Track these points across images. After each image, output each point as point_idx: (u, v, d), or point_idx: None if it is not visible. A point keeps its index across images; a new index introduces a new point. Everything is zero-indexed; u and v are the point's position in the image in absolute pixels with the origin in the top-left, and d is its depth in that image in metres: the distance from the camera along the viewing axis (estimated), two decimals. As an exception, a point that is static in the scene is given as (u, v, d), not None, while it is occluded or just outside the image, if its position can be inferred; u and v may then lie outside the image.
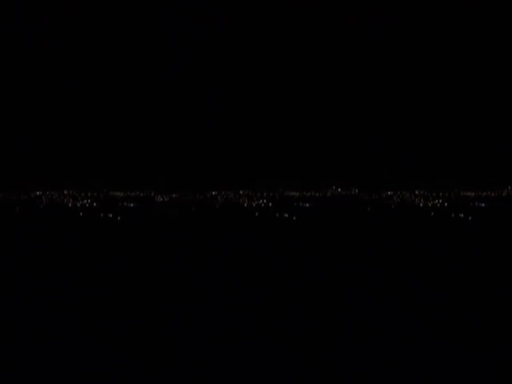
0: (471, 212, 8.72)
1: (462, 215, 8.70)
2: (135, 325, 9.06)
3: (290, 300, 9.41)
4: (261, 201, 9.03)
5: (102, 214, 8.73)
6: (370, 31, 8.39)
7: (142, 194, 9.30)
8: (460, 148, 9.27)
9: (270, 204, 8.89)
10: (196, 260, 9.37)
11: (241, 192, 9.45)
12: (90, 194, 9.30)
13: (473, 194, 9.32)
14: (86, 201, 8.94)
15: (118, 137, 8.83)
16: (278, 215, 8.71)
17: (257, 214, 8.86)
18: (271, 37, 8.50)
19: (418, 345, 8.95)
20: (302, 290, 9.36)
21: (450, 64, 8.76)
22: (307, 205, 8.84)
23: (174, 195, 8.97)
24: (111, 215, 8.57)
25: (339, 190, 9.11)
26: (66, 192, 9.47)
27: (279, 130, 8.92)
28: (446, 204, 8.61)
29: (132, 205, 8.87)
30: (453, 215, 8.77)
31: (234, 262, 9.31)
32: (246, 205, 8.91)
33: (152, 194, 9.18)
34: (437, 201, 8.77)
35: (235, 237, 9.18)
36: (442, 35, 8.84)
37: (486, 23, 8.73)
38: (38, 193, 9.62)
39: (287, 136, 9.00)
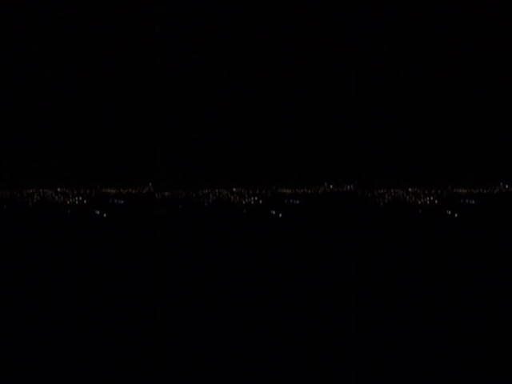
0: (459, 209, 8.59)
1: (449, 212, 8.63)
2: (125, 323, 9.09)
3: (276, 296, 9.41)
4: (252, 198, 8.90)
5: (88, 211, 8.63)
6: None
7: (134, 191, 9.23)
8: (453, 144, 9.17)
9: (261, 201, 8.74)
10: (180, 257, 9.38)
11: (234, 189, 9.36)
12: (82, 191, 9.21)
13: (465, 190, 9.19)
14: (76, 198, 8.81)
15: (112, 135, 8.75)
16: (265, 212, 8.62)
17: (244, 211, 8.77)
18: (260, 34, 8.45)
19: (406, 341, 8.98)
20: (287, 287, 9.36)
21: (440, 63, 8.67)
22: (297, 201, 8.72)
23: (166, 193, 8.89)
24: (98, 212, 8.47)
25: (331, 186, 9.03)
26: (59, 189, 9.36)
27: (273, 128, 8.85)
28: (436, 201, 8.46)
29: (122, 201, 8.76)
30: (440, 212, 8.68)
31: (218, 258, 9.32)
32: (236, 202, 8.77)
33: (144, 191, 9.11)
34: (427, 198, 8.62)
35: (219, 234, 9.21)
36: (430, 33, 8.78)
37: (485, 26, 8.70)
38: (30, 190, 9.52)
39: (280, 134, 8.93)
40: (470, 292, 9.11)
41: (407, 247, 9.26)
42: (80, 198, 8.93)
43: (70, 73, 9.31)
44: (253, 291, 9.25)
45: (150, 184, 9.01)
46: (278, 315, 9.09)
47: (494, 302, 9.05)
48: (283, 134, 9.40)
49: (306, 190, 9.32)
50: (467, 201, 9.35)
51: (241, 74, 9.42)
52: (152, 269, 9.20)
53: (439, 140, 9.34)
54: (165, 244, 9.26)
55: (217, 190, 9.23)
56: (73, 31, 9.32)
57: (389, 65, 9.31)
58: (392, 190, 9.14)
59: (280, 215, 9.41)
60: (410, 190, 9.11)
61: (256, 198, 9.26)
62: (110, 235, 9.33)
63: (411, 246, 9.24)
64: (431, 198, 9.26)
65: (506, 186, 9.07)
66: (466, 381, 8.55)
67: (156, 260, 9.23)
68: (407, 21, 9.36)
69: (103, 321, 9.05)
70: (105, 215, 9.19)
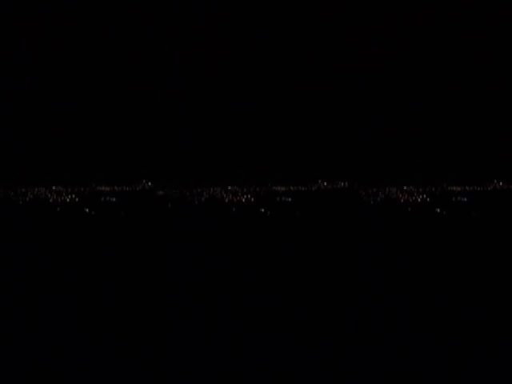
0: (449, 207, 8.56)
1: (438, 210, 8.60)
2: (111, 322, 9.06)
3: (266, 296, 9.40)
4: (244, 196, 8.84)
5: (77, 209, 8.61)
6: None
7: (127, 189, 9.18)
8: (449, 143, 9.13)
9: (253, 199, 8.68)
10: (166, 257, 9.35)
11: (229, 188, 9.29)
12: (76, 189, 9.18)
13: (459, 188, 9.15)
14: (69, 196, 8.76)
15: (107, 134, 8.74)
16: (254, 210, 8.59)
17: (234, 209, 8.72)
18: (252, 32, 8.38)
19: (392, 341, 8.95)
20: (277, 287, 9.34)
21: (436, 64, 8.63)
22: (289, 199, 8.65)
23: (160, 192, 8.82)
24: (87, 209, 8.44)
25: (325, 183, 8.97)
26: (54, 188, 9.31)
27: (268, 127, 8.81)
28: (428, 199, 8.41)
29: (114, 199, 8.69)
30: (429, 210, 8.66)
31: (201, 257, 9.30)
32: (227, 200, 8.71)
33: (138, 189, 9.06)
34: (420, 196, 8.58)
35: (205, 233, 9.18)
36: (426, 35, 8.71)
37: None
38: (24, 189, 9.45)
39: (275, 133, 8.90)
40: (452, 284, 9.06)
41: (393, 244, 9.23)
42: (72, 196, 8.93)
43: (65, 72, 9.29)
44: (241, 289, 9.21)
45: (144, 181, 8.98)
46: (267, 310, 9.07)
47: (482, 296, 9.01)
48: (278, 133, 9.36)
49: (300, 187, 9.30)
50: (459, 198, 9.35)
51: (234, 74, 9.39)
52: (135, 267, 9.17)
53: (435, 139, 9.30)
54: (145, 240, 9.22)
55: (212, 189, 9.20)
56: (66, 28, 9.29)
57: (383, 66, 9.27)
58: (387, 188, 9.10)
59: (268, 213, 9.40)
60: (405, 188, 9.08)
61: (248, 196, 9.24)
62: (94, 233, 9.32)
63: (396, 243, 9.22)
64: (424, 196, 9.24)
65: (500, 184, 9.05)
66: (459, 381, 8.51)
67: (137, 259, 9.19)
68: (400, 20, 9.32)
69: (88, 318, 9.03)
70: (93, 213, 9.19)
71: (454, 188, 8.65)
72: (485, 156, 8.80)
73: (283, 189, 8.76)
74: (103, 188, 8.62)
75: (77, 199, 8.57)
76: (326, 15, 8.94)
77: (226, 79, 8.78)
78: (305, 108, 8.98)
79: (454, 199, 8.77)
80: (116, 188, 8.63)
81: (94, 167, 8.67)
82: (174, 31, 8.89)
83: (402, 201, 8.67)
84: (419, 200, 8.62)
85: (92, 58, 8.68)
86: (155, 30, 8.78)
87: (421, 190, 8.59)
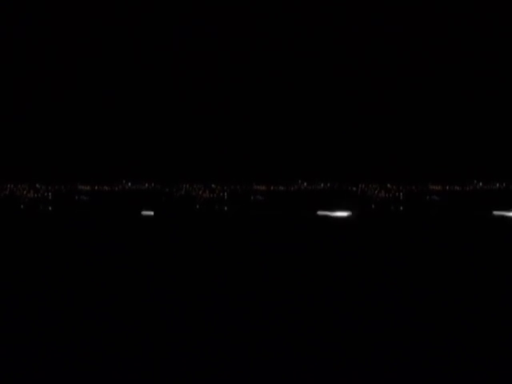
0: (412, 204, 8.56)
1: (401, 208, 8.56)
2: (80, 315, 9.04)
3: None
4: (218, 194, 8.84)
5: (41, 207, 8.66)
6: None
7: (107, 188, 9.13)
8: (431, 141, 9.02)
9: (226, 197, 8.69)
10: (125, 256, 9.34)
11: (213, 186, 9.23)
12: (56, 188, 9.14)
13: (439, 187, 9.09)
14: (43, 194, 8.78)
15: (91, 134, 8.68)
16: (217, 207, 8.59)
17: (198, 206, 8.72)
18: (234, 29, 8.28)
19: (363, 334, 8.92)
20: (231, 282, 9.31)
21: (416, 61, 8.53)
22: (260, 197, 8.63)
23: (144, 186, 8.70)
24: (50, 208, 8.47)
25: (305, 184, 8.88)
26: (38, 186, 9.28)
27: (251, 128, 8.70)
28: (400, 197, 8.37)
29: (86, 198, 8.68)
30: (392, 208, 8.64)
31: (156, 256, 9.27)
32: (200, 197, 8.74)
33: (117, 189, 9.00)
34: (395, 194, 8.53)
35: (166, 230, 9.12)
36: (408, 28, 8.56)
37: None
38: (6, 186, 9.32)
39: (259, 133, 8.79)
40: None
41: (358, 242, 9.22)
42: (46, 194, 8.98)
43: (46, 72, 9.36)
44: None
45: (124, 181, 9.04)
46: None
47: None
48: (263, 133, 9.44)
49: (280, 187, 9.40)
50: (430, 197, 9.45)
51: (219, 73, 9.47)
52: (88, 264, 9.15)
53: (420, 139, 9.39)
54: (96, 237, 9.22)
55: (195, 186, 9.28)
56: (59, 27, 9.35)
57: (363, 66, 9.34)
58: (370, 185, 9.14)
59: (226, 209, 9.46)
60: (388, 185, 9.16)
61: (221, 194, 9.31)
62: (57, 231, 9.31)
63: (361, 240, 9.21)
64: (397, 194, 9.32)
65: (480, 184, 9.19)
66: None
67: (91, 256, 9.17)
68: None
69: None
70: (50, 208, 9.23)
71: (435, 187, 8.69)
72: (467, 157, 8.83)
73: (263, 188, 8.81)
74: (84, 187, 8.67)
75: (49, 197, 8.60)
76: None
77: (207, 79, 8.83)
78: (288, 109, 9.04)
79: (426, 198, 8.82)
80: (97, 187, 8.67)
81: (77, 167, 8.73)
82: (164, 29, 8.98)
83: (376, 198, 8.70)
84: (384, 197, 8.65)
85: (68, 56, 8.74)
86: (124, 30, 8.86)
87: (401, 188, 8.64)
